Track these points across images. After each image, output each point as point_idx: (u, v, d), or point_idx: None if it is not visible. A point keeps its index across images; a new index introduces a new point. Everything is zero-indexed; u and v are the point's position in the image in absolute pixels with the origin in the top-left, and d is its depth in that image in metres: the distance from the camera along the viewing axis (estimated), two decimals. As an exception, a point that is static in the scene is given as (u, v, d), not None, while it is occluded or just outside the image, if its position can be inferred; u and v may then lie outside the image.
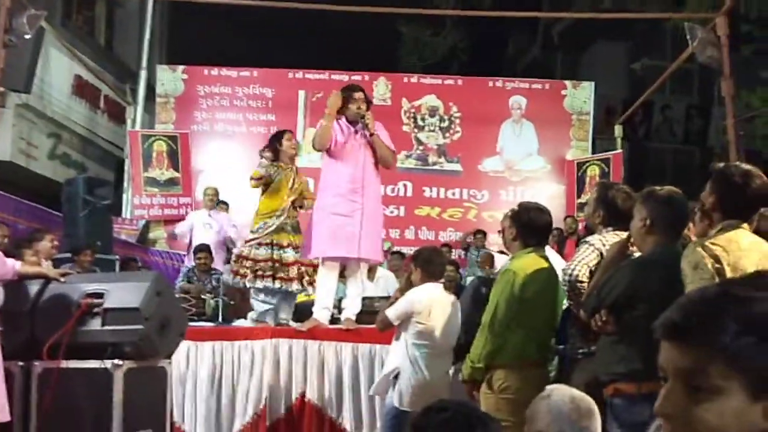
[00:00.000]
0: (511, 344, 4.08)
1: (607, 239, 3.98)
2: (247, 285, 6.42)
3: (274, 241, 6.38)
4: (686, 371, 1.07)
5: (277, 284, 6.30)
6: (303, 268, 6.42)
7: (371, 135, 5.96)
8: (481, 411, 2.41)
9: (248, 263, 6.34)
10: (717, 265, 3.02)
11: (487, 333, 4.11)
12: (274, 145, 6.71)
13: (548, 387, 2.52)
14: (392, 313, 5.00)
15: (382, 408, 5.25)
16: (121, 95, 14.17)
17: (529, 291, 4.08)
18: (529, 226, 4.30)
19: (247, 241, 6.58)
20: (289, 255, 6.40)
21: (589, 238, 4.16)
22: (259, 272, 6.29)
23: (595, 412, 2.45)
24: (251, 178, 6.61)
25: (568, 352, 4.28)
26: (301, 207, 6.65)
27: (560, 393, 2.45)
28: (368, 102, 6.20)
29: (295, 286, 6.39)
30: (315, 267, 6.32)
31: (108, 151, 14.83)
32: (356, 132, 6.02)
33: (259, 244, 6.38)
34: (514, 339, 4.09)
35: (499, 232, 5.26)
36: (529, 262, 4.18)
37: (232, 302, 7.01)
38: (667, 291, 3.24)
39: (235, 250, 7.47)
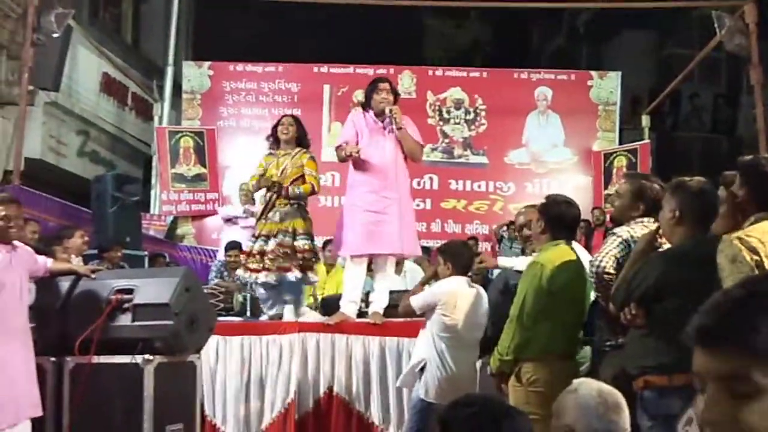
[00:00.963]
0: (540, 337, 4.07)
1: (635, 230, 3.96)
2: (242, 279, 6.37)
3: (262, 233, 6.18)
4: (728, 377, 1.05)
5: (247, 275, 6.17)
6: (279, 251, 6.06)
7: (399, 129, 5.94)
8: (508, 405, 2.41)
9: (244, 257, 6.30)
10: (755, 257, 2.99)
11: (515, 326, 4.09)
12: (273, 128, 6.50)
13: (575, 381, 2.52)
14: (416, 301, 5.01)
15: (410, 401, 5.26)
16: (148, 92, 14.27)
17: (557, 284, 4.06)
18: (559, 219, 4.28)
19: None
20: (260, 245, 6.12)
21: (616, 230, 4.13)
22: (250, 265, 6.14)
23: (622, 405, 2.45)
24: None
25: (595, 345, 4.26)
26: (279, 194, 6.15)
27: (587, 387, 2.44)
28: (396, 94, 6.16)
29: (262, 276, 6.07)
30: (296, 251, 6.08)
31: (136, 148, 14.96)
32: (384, 126, 6.02)
33: (254, 236, 6.29)
34: (542, 332, 4.07)
35: (520, 227, 5.16)
36: (557, 255, 4.16)
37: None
38: (699, 283, 3.22)
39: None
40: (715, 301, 1.10)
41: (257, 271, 6.07)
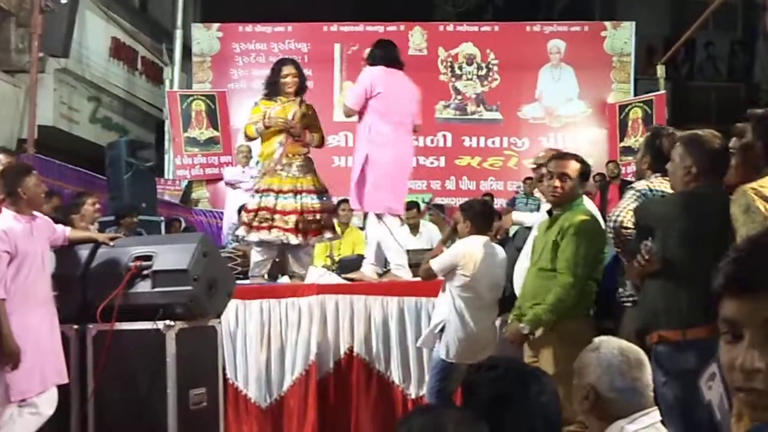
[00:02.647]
0: (585, 295, 4.04)
1: (653, 184, 3.92)
2: (244, 238, 6.19)
3: (272, 187, 6.07)
4: None
5: (273, 235, 6.03)
6: (306, 216, 6.05)
7: None
8: (533, 366, 2.41)
9: (248, 215, 6.12)
10: None
11: (567, 286, 4.01)
12: (274, 77, 6.31)
13: (596, 339, 2.50)
14: (437, 264, 4.99)
15: (430, 361, 5.28)
16: (158, 56, 14.21)
17: (595, 241, 4.03)
18: (586, 175, 4.27)
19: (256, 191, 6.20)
20: (289, 202, 6.04)
21: (635, 184, 4.11)
22: (255, 223, 6.04)
23: (645, 362, 2.43)
24: (247, 137, 6.33)
25: (617, 300, 4.25)
26: (297, 139, 6.12)
27: (609, 345, 2.42)
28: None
29: (293, 238, 6.04)
30: (320, 212, 6.13)
31: (147, 113, 14.94)
32: None
33: (257, 191, 6.14)
34: (586, 290, 4.05)
35: (539, 165, 5.06)
36: (588, 211, 4.15)
37: (277, 259, 7.03)
38: (715, 235, 3.23)
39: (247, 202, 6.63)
40: (750, 249, 1.10)
41: (291, 231, 6.02)
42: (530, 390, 1.94)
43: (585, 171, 4.24)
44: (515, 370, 1.99)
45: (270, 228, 6.01)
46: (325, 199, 6.20)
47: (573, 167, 4.18)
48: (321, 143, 6.30)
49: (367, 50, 6.22)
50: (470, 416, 1.67)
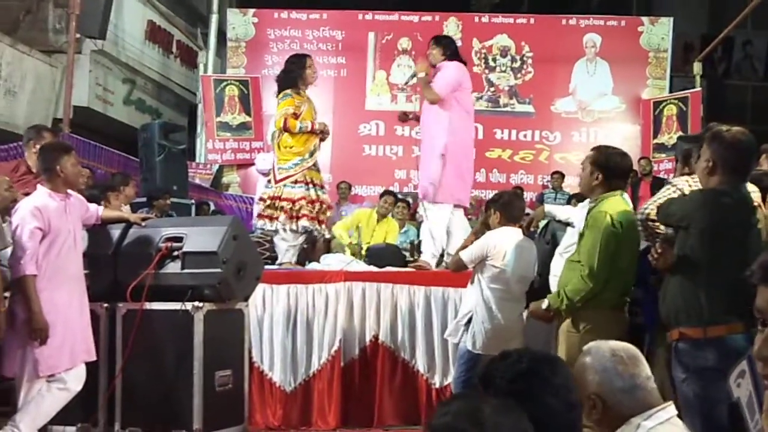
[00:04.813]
0: (609, 287, 4.01)
1: (694, 181, 3.88)
2: (280, 228, 6.21)
3: (312, 180, 6.28)
4: None
5: (316, 225, 6.32)
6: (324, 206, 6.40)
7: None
8: (546, 351, 2.40)
9: (284, 203, 6.17)
10: None
11: (585, 277, 3.98)
12: (298, 71, 6.33)
13: (585, 348, 2.46)
14: (467, 255, 4.97)
15: (455, 351, 5.28)
16: (193, 40, 14.28)
17: (622, 233, 3.98)
18: (616, 170, 4.20)
19: (278, 180, 6.25)
20: (326, 195, 6.45)
21: (674, 179, 4.08)
22: (295, 212, 6.17)
23: (638, 356, 2.40)
24: (291, 131, 6.18)
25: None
26: (323, 139, 6.44)
27: (599, 349, 2.38)
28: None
29: (323, 228, 6.45)
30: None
31: (181, 96, 15.03)
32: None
33: (295, 182, 6.22)
34: (611, 282, 4.02)
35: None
36: (617, 204, 4.10)
37: (305, 245, 7.06)
38: (740, 231, 3.21)
39: (263, 192, 6.62)
40: None
41: (321, 222, 6.35)
42: (543, 371, 1.95)
43: (598, 160, 4.16)
44: (527, 355, 2.00)
45: (315, 220, 6.26)
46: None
47: (588, 158, 4.20)
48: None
49: (434, 46, 6.45)
50: (508, 404, 1.68)
